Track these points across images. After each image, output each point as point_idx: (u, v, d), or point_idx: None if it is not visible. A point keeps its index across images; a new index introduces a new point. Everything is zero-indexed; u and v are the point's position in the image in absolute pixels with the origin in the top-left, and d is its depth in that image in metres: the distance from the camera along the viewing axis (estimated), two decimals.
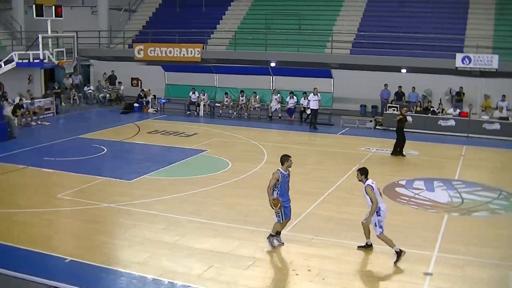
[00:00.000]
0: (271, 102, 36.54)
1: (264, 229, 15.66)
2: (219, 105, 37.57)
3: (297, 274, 12.99)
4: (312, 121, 32.83)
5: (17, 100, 32.98)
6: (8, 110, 30.01)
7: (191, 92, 37.93)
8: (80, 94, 41.61)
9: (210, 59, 40.16)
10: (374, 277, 13.08)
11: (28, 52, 34.27)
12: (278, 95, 36.52)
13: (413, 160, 25.54)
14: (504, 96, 33.87)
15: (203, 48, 40.21)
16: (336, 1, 42.65)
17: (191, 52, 40.08)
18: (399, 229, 15.91)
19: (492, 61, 33.61)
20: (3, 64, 32.33)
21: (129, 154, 26.21)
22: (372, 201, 13.87)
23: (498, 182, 21.91)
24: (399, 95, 36.42)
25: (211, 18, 44.08)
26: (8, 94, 34.70)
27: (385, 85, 36.93)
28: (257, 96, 36.83)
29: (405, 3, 40.76)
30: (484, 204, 19.04)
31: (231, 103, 37.20)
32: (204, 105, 37.52)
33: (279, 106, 36.13)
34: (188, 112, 37.73)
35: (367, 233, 14.50)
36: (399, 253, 13.68)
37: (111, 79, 42.70)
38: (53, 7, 33.48)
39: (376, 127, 33.49)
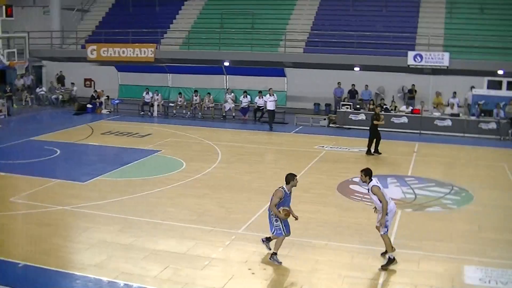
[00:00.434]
0: (224, 101, 36.52)
1: (220, 228, 15.66)
2: (173, 105, 37.44)
3: (253, 273, 12.99)
4: (270, 121, 32.82)
5: None
6: None
7: (144, 93, 37.71)
8: (32, 96, 40.93)
9: (164, 59, 40.00)
10: (331, 273, 13.13)
11: None
12: (232, 94, 36.55)
13: (367, 158, 25.77)
14: (455, 93, 34.47)
15: (156, 48, 40.07)
16: (290, 0, 42.79)
17: (145, 52, 39.90)
18: (354, 226, 16.05)
19: (443, 59, 34.20)
20: None
21: (83, 155, 25.90)
22: (381, 201, 13.59)
23: (450, 177, 22.27)
24: (352, 93, 36.77)
25: (164, 17, 43.93)
26: None
27: (338, 83, 37.24)
28: (211, 96, 36.79)
29: (358, 2, 41.07)
30: (437, 199, 19.32)
31: (185, 103, 37.10)
32: (158, 105, 37.34)
33: (233, 105, 36.14)
34: (142, 112, 37.50)
35: (390, 245, 14.00)
36: (391, 260, 13.53)
37: (60, 80, 42.19)
38: (4, 7, 32.96)
39: (330, 125, 33.74)
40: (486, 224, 16.90)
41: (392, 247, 13.65)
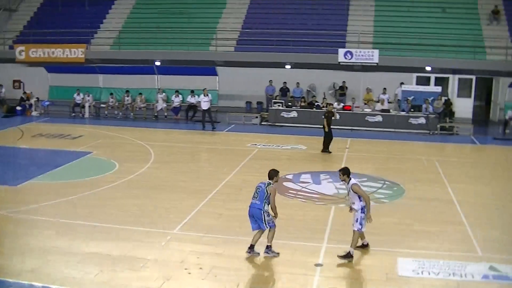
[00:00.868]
0: (156, 101, 36.21)
1: (156, 229, 15.49)
2: (104, 106, 36.96)
3: (189, 273, 12.88)
4: (203, 120, 32.63)
5: None
6: None
7: (75, 94, 37.08)
8: None
9: (94, 59, 39.43)
10: (266, 271, 13.14)
11: None
12: (164, 94, 36.28)
13: (300, 154, 25.94)
14: (385, 89, 35.07)
15: (86, 48, 39.39)
16: None
17: (75, 53, 39.19)
18: (289, 223, 16.08)
19: (373, 56, 34.69)
20: None
21: (13, 158, 25.22)
22: (364, 198, 13.92)
23: (381, 172, 22.62)
24: (284, 90, 36.96)
25: (95, 17, 43.23)
26: None
27: (270, 81, 37.41)
28: (143, 96, 36.45)
29: (288, 0, 41.28)
30: (370, 194, 19.51)
31: (117, 104, 36.65)
32: (89, 106, 36.75)
33: (165, 105, 35.89)
34: (73, 114, 36.88)
35: (363, 235, 14.42)
36: (349, 255, 13.70)
37: None
38: None
39: (262, 123, 33.84)
40: (418, 217, 17.20)
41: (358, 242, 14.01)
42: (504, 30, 38.23)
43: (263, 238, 13.96)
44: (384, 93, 35.17)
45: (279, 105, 33.85)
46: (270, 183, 14.09)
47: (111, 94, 36.81)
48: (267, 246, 13.95)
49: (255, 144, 27.61)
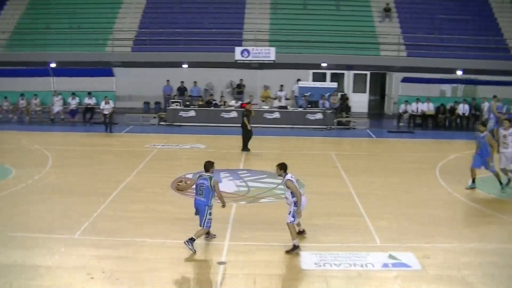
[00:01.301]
0: (52, 104, 35.20)
1: (55, 235, 14.96)
2: None
3: (92, 278, 12.50)
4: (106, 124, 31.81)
5: None
6: None
7: None
8: None
9: None
10: (171, 271, 12.92)
11: None
12: (60, 96, 35.28)
13: (199, 153, 25.77)
14: (282, 86, 35.42)
15: None
16: None
17: None
18: (190, 222, 15.88)
19: (269, 53, 34.86)
20: None
21: None
22: (295, 194, 14.18)
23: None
24: (182, 90, 36.78)
25: None
26: None
27: (167, 81, 37.13)
28: (38, 99, 35.33)
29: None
30: (270, 190, 19.65)
31: (11, 107, 35.36)
32: None
33: (61, 107, 34.94)
34: None
35: (299, 223, 14.93)
36: (295, 247, 14.01)
37: None
38: None
39: (160, 123, 33.47)
40: (317, 210, 17.33)
41: (296, 233, 14.35)
42: (396, 27, 39.47)
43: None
44: (281, 90, 35.48)
45: (177, 105, 33.60)
46: (211, 177, 14.16)
47: (5, 97, 35.49)
48: (191, 237, 13.95)
49: (154, 145, 27.27)
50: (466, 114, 34.62)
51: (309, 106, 33.47)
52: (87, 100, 34.43)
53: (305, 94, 33.98)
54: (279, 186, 20.11)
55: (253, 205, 18.26)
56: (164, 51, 36.56)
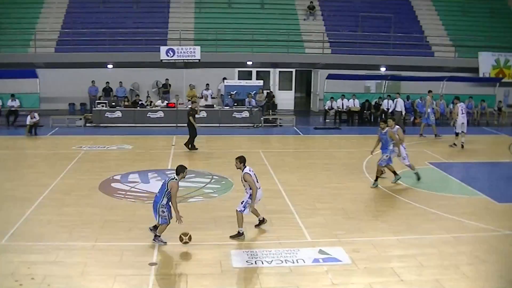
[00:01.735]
0: None
1: None
2: None
3: (21, 285, 12.24)
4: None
5: None
6: None
7: None
8: None
9: None
10: (102, 274, 12.76)
11: None
12: None
13: (126, 154, 25.57)
14: (208, 85, 35.43)
15: None
16: None
17: None
18: (120, 224, 15.81)
19: (195, 52, 34.77)
20: None
21: None
22: (252, 187, 14.83)
23: (209, 167, 22.81)
24: (107, 91, 36.34)
25: None
26: None
27: (92, 81, 36.62)
28: None
29: None
30: (199, 190, 19.65)
31: None
32: None
33: None
34: None
35: (257, 213, 15.60)
36: (240, 234, 14.89)
37: None
38: None
39: (86, 125, 32.98)
40: None
41: (242, 222, 15.02)
42: (320, 25, 40.04)
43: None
44: (207, 89, 35.51)
45: (102, 106, 33.15)
46: (173, 178, 14.21)
47: None
48: (156, 235, 14.29)
49: (81, 147, 26.84)
50: (391, 110, 35.36)
51: (236, 104, 33.59)
52: (10, 103, 33.59)
53: (231, 93, 34.08)
54: (208, 185, 20.20)
55: (182, 205, 18.09)
56: (89, 51, 36.06)
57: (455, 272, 13.43)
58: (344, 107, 35.76)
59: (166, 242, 14.31)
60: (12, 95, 33.53)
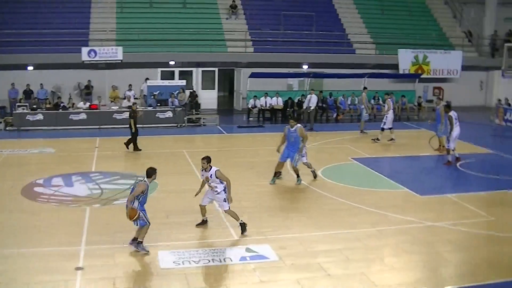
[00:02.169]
0: None
1: None
2: None
3: None
4: None
5: None
6: None
7: None
8: None
9: None
10: (28, 282, 12.58)
11: None
12: None
13: (49, 158, 25.21)
14: (130, 85, 35.18)
15: None
16: None
17: None
18: (44, 229, 15.63)
19: (117, 53, 34.56)
20: None
21: None
22: (225, 181, 15.48)
23: (133, 168, 22.69)
24: (28, 93, 35.59)
25: None
26: None
27: (12, 84, 35.77)
28: None
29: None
30: (124, 191, 19.50)
31: None
32: None
33: None
34: None
35: (204, 213, 15.99)
36: (243, 225, 15.44)
37: None
38: None
39: (7, 128, 32.29)
40: (173, 209, 17.57)
41: (237, 214, 15.62)
42: (242, 24, 40.29)
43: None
44: (130, 89, 35.27)
45: (23, 109, 32.51)
46: (143, 180, 14.27)
47: None
48: (138, 241, 14.11)
49: (1, 151, 26.25)
50: (305, 106, 35.94)
51: (159, 104, 33.50)
52: None
53: (154, 93, 33.98)
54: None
55: (108, 207, 18.12)
56: (8, 53, 35.23)
57: (380, 264, 13.88)
58: (267, 105, 36.13)
59: (148, 252, 14.10)
60: None
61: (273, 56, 38.32)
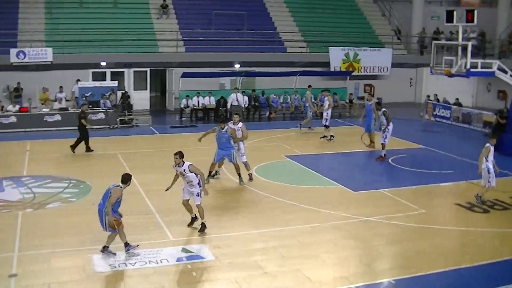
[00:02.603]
0: None
1: None
2: None
3: None
4: None
5: None
6: None
7: None
8: None
9: None
10: None
11: None
12: None
13: None
14: (61, 87, 34.64)
15: None
16: None
17: None
18: None
19: (46, 54, 33.98)
20: None
21: None
22: (200, 174, 15.82)
23: (66, 171, 22.39)
24: None
25: None
26: None
27: None
28: None
29: None
30: (56, 195, 19.29)
31: None
32: None
33: None
34: None
35: (190, 209, 16.21)
36: (204, 226, 15.84)
37: None
38: None
39: None
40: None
41: (203, 212, 15.96)
42: (174, 24, 40.11)
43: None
44: (61, 91, 34.70)
45: None
46: (118, 185, 14.11)
47: None
48: (104, 246, 14.07)
49: None
50: (246, 106, 36.18)
51: (91, 106, 33.07)
52: None
53: (86, 95, 33.56)
54: (66, 190, 19.90)
55: (41, 211, 17.84)
56: None
57: (315, 260, 14.13)
58: (200, 104, 36.11)
59: (116, 253, 14.08)
60: None
61: (204, 56, 38.30)
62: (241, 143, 21.14)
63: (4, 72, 35.30)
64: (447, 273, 13.67)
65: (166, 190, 16.11)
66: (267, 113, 37.25)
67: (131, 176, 14.65)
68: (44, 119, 31.75)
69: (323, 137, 29.39)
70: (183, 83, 36.58)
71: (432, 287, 13.18)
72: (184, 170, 15.71)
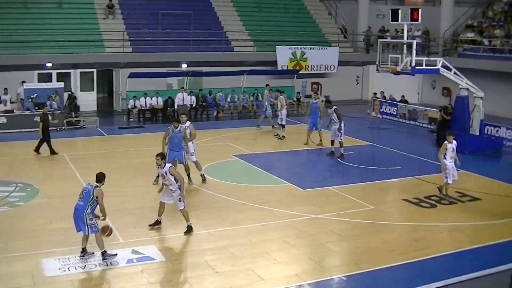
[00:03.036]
0: None
1: None
2: None
3: None
4: None
5: None
6: None
7: None
8: None
9: None
10: None
11: None
12: None
13: None
14: (6, 89, 34.03)
15: None
16: None
17: None
18: None
19: None
20: None
21: None
22: (179, 178, 15.59)
23: (12, 175, 22.01)
24: None
25: None
26: None
27: None
28: None
29: None
30: (2, 199, 18.98)
31: None
32: None
33: None
34: None
35: (161, 212, 16.19)
36: (190, 227, 15.84)
37: None
38: None
39: None
40: (55, 215, 17.19)
41: (188, 215, 15.97)
42: (120, 24, 39.77)
43: None
44: (5, 93, 34.08)
45: None
46: (97, 186, 13.87)
47: None
48: (102, 253, 13.76)
49: None
50: (194, 105, 36.16)
51: (37, 108, 32.56)
52: None
53: (32, 96, 33.05)
54: (13, 194, 19.59)
55: None
56: None
57: (266, 259, 14.22)
58: (147, 105, 35.92)
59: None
60: None
61: (151, 56, 38.11)
62: (190, 143, 21.04)
63: None
64: (397, 268, 13.93)
65: (158, 192, 16.34)
66: (215, 113, 37.26)
67: (105, 175, 14.54)
68: None
69: (276, 135, 29.63)
70: (130, 84, 36.33)
71: (383, 282, 13.38)
72: (165, 172, 15.62)
